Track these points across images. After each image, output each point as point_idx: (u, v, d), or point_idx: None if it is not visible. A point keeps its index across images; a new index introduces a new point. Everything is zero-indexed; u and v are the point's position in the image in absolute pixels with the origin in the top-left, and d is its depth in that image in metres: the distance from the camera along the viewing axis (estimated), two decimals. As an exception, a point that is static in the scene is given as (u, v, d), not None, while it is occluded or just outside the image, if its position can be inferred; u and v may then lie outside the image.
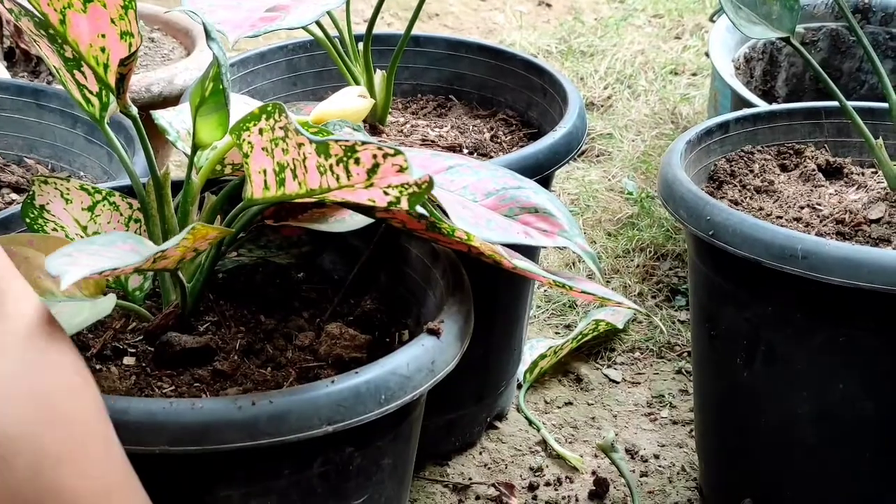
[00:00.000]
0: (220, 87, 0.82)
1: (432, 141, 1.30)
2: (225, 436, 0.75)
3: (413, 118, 1.39)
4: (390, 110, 1.33)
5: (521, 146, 1.32)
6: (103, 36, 0.79)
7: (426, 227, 0.83)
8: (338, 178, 0.71)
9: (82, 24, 0.79)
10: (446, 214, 0.81)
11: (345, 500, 0.86)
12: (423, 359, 0.84)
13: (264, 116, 0.74)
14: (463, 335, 0.89)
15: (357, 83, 1.28)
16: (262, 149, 0.75)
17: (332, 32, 1.30)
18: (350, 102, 0.99)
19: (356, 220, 0.90)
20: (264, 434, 0.76)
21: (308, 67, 1.42)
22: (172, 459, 0.77)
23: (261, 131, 0.74)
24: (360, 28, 1.33)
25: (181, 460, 0.78)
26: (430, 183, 0.68)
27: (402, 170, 0.68)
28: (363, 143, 0.68)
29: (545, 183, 1.23)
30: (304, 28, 1.16)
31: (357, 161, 0.69)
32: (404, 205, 0.70)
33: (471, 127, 1.36)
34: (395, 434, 0.88)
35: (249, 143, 0.76)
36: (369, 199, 0.72)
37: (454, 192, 0.86)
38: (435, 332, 0.86)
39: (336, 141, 0.69)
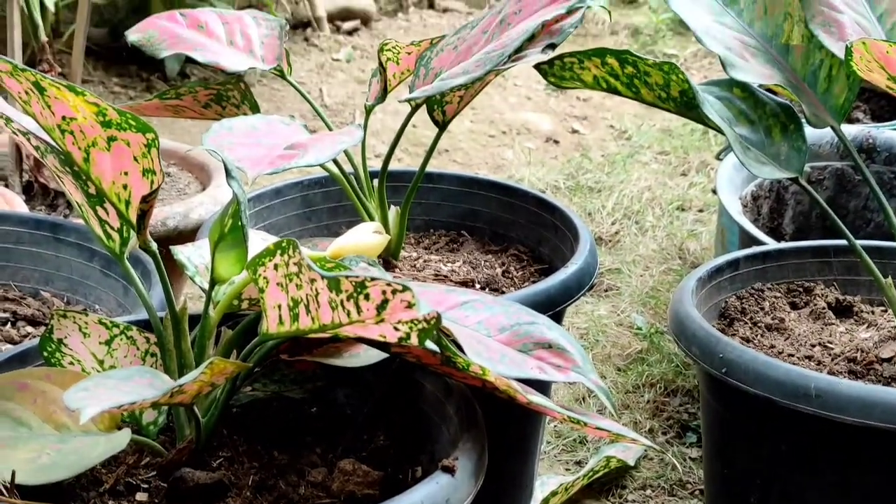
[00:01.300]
0: (239, 223, 0.84)
1: (445, 276, 1.32)
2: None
3: (426, 253, 1.40)
4: (403, 245, 1.35)
5: (533, 281, 1.33)
6: (126, 173, 0.81)
7: (441, 361, 0.84)
8: (349, 314, 0.72)
9: (105, 161, 0.80)
10: (461, 349, 0.81)
11: None
12: (437, 497, 0.83)
13: (279, 252, 0.75)
14: (477, 472, 0.88)
15: (371, 219, 1.30)
16: (277, 284, 0.76)
17: (347, 168, 1.33)
18: (366, 238, 1.00)
19: (371, 355, 0.91)
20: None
21: (323, 203, 1.44)
22: None
23: (276, 266, 0.75)
24: (372, 163, 1.35)
25: None
26: (438, 318, 0.69)
27: (410, 305, 0.69)
28: (373, 279, 0.69)
29: (557, 318, 1.23)
30: (321, 164, 1.18)
31: (367, 297, 0.70)
32: (414, 340, 0.70)
33: (483, 262, 1.37)
34: (409, 573, 0.87)
35: (265, 278, 0.77)
36: (380, 335, 0.73)
37: (469, 327, 0.87)
38: (449, 470, 0.86)
39: (346, 277, 0.70)
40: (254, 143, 1.08)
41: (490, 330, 0.87)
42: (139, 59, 2.96)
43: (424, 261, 1.37)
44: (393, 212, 1.31)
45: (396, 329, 0.71)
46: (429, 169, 1.37)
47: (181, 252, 0.94)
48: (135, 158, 0.80)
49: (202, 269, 0.94)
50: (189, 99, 1.27)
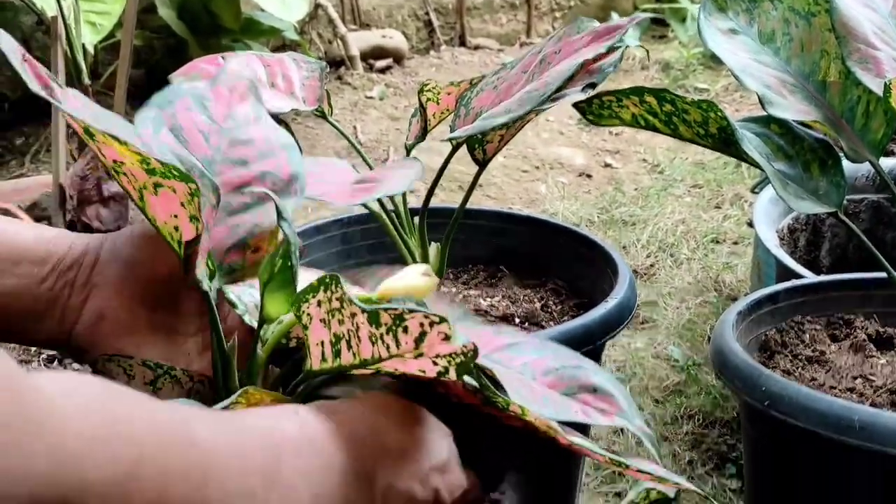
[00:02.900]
0: (289, 264, 0.85)
1: (485, 311, 1.33)
2: None
3: (465, 288, 1.42)
4: (443, 281, 1.36)
5: (572, 315, 1.35)
6: (175, 216, 0.83)
7: (482, 401, 0.84)
8: (388, 348, 0.73)
9: (156, 203, 0.82)
10: (502, 389, 0.82)
11: None
12: (484, 532, 0.84)
13: (322, 288, 0.76)
14: (524, 506, 0.89)
15: (412, 255, 1.31)
16: (321, 320, 0.77)
17: (388, 206, 1.34)
18: (416, 280, 1.00)
19: None
20: None
21: (362, 240, 1.46)
22: None
23: (319, 303, 0.76)
24: (409, 200, 1.37)
25: None
26: (475, 351, 0.70)
27: (447, 337, 0.70)
28: (411, 310, 0.70)
29: (596, 352, 1.25)
30: (365, 205, 1.20)
31: (405, 329, 0.71)
32: (452, 374, 0.71)
33: (521, 296, 1.38)
34: None
35: (308, 314, 0.78)
36: (419, 370, 0.74)
37: (513, 368, 0.87)
38: (497, 502, 0.87)
39: (385, 310, 0.71)
40: (321, 181, 1.10)
41: (535, 372, 0.88)
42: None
43: (464, 296, 1.39)
44: (433, 248, 1.33)
45: (435, 363, 0.72)
46: (467, 205, 1.38)
47: (232, 291, 0.96)
48: (182, 204, 0.82)
49: (251, 308, 0.95)
50: (233, 139, 1.29)
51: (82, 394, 0.52)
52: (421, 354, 0.71)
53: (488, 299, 1.38)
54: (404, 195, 1.34)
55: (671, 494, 1.55)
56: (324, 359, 0.79)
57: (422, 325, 0.70)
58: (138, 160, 0.78)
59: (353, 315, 0.74)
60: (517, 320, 1.31)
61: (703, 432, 1.72)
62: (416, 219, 1.33)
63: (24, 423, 0.46)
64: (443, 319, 0.70)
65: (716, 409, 1.75)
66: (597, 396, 0.87)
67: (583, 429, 1.00)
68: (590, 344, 1.19)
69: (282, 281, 0.87)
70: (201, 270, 0.88)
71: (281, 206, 0.86)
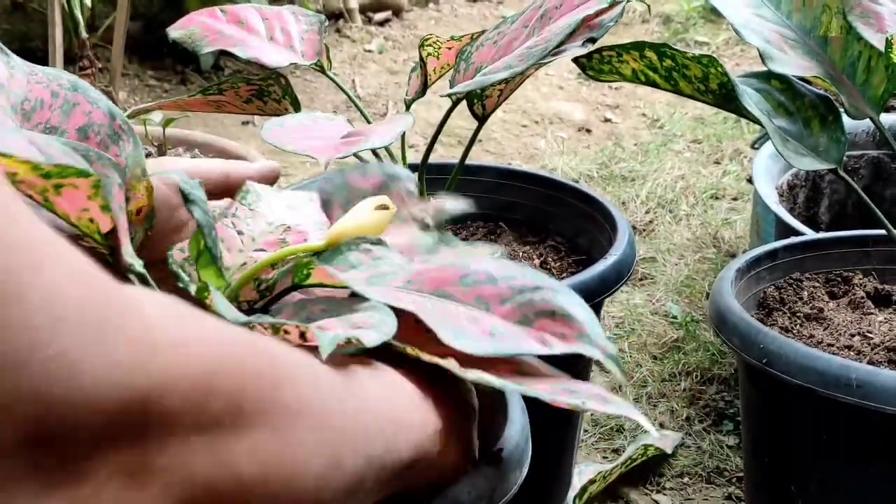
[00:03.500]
0: (206, 246, 0.84)
1: (484, 268, 1.33)
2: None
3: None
4: (442, 237, 1.36)
5: (571, 272, 1.34)
6: (86, 210, 0.80)
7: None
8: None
9: (63, 203, 0.80)
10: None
11: None
12: (482, 488, 0.84)
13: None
14: (521, 463, 0.89)
15: (411, 211, 1.31)
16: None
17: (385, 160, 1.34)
18: (367, 216, 0.95)
19: None
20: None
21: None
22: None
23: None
24: (408, 155, 1.36)
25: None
26: (349, 339, 0.70)
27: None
28: (282, 324, 0.71)
29: (595, 309, 1.24)
30: (357, 156, 1.20)
31: (286, 332, 0.72)
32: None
33: (521, 253, 1.38)
34: (455, 562, 0.88)
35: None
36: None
37: (467, 303, 0.83)
38: (494, 461, 0.87)
39: (259, 324, 0.72)
40: (308, 136, 1.09)
41: (490, 303, 0.82)
42: (174, 53, 2.99)
43: (463, 252, 1.38)
44: (432, 204, 1.33)
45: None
46: (466, 161, 1.38)
47: (175, 261, 0.95)
48: (88, 198, 0.80)
49: (194, 278, 0.94)
50: (231, 94, 1.28)
51: (159, 301, 0.53)
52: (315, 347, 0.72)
53: (487, 255, 1.37)
54: (403, 151, 1.34)
55: (668, 451, 1.56)
56: None
57: (298, 327, 0.71)
58: (30, 168, 0.76)
59: (236, 321, 0.74)
60: (516, 277, 1.31)
61: (701, 389, 1.72)
62: (416, 174, 1.33)
63: (110, 316, 0.47)
64: (307, 328, 0.70)
65: (714, 366, 1.76)
66: (556, 320, 0.80)
67: (577, 374, 0.98)
68: (588, 301, 1.18)
69: (208, 259, 0.87)
70: (129, 252, 0.86)
71: (187, 187, 0.85)
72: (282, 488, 0.53)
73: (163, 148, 1.76)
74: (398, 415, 0.67)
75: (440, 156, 2.55)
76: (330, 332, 0.70)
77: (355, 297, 0.79)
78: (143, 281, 0.87)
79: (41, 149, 0.79)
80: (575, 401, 0.78)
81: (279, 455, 0.53)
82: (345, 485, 0.57)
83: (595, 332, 0.82)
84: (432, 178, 1.42)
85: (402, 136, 1.25)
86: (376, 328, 0.71)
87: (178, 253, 0.97)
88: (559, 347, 0.81)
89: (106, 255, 0.86)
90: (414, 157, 1.37)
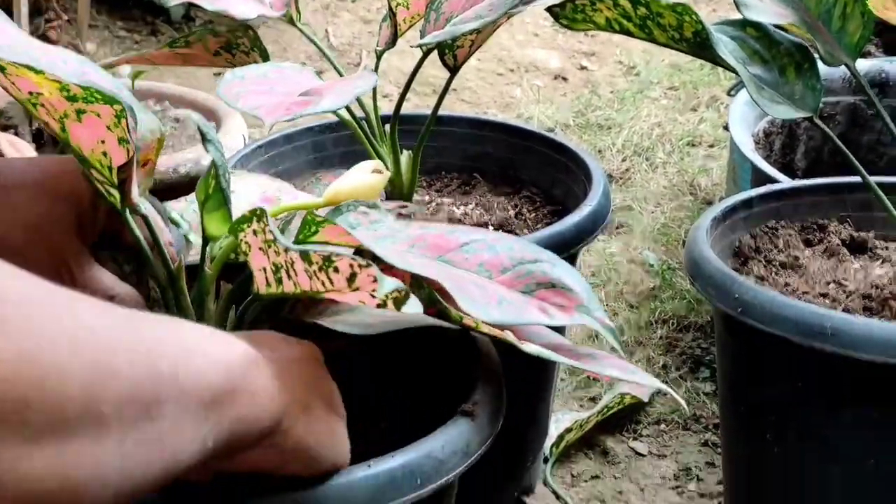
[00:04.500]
0: (220, 186, 0.83)
1: (458, 219, 1.32)
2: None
3: (438, 196, 1.41)
4: (416, 189, 1.35)
5: (546, 223, 1.34)
6: (103, 142, 0.79)
7: (437, 313, 0.83)
8: (323, 283, 0.72)
9: (81, 131, 0.78)
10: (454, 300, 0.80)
11: (381, 582, 0.86)
12: (457, 442, 0.84)
13: (255, 219, 0.75)
14: (496, 416, 0.89)
15: (384, 163, 1.30)
16: (259, 248, 0.76)
17: (359, 113, 1.32)
18: (363, 179, 0.96)
19: (373, 313, 0.89)
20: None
21: (334, 148, 1.44)
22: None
23: (255, 232, 0.75)
24: (381, 104, 1.35)
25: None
26: (408, 293, 0.69)
27: (375, 280, 0.69)
28: (338, 254, 0.70)
29: (571, 260, 1.24)
30: (336, 113, 1.18)
31: (336, 269, 0.71)
32: (391, 307, 0.70)
33: (496, 204, 1.37)
34: (431, 516, 0.88)
35: (247, 242, 0.77)
36: (360, 301, 0.73)
37: (470, 270, 0.85)
38: (469, 414, 0.86)
39: (314, 251, 0.71)
40: (267, 90, 1.07)
41: (492, 272, 0.85)
42: (143, 3, 2.95)
43: (437, 204, 1.37)
44: (405, 156, 1.31)
45: (373, 297, 0.71)
46: (439, 112, 1.36)
47: (174, 210, 0.94)
48: (108, 128, 0.79)
49: (195, 226, 0.93)
50: (199, 47, 1.26)
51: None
52: (357, 289, 0.70)
53: (462, 207, 1.36)
54: (375, 103, 1.32)
55: (645, 398, 1.56)
56: (268, 284, 0.78)
57: (351, 266, 0.70)
58: (57, 88, 0.74)
59: (287, 249, 0.73)
60: (491, 228, 1.30)
61: (678, 336, 1.72)
62: (388, 126, 1.31)
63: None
64: (369, 264, 0.69)
65: (690, 313, 1.76)
66: (555, 291, 0.84)
67: (558, 329, 0.99)
68: (564, 252, 1.18)
69: (216, 201, 0.85)
70: (136, 192, 0.85)
71: (205, 127, 0.84)
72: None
73: (133, 101, 1.73)
74: (198, 345, 0.63)
75: (414, 105, 2.54)
76: (391, 278, 0.69)
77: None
78: (146, 222, 0.86)
79: (71, 69, 0.78)
80: (613, 373, 0.83)
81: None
82: (130, 395, 0.54)
83: (592, 303, 0.84)
84: (405, 129, 1.41)
85: (374, 89, 1.24)
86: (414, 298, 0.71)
87: (175, 203, 0.96)
88: (560, 318, 0.83)
89: (110, 193, 0.84)
90: (388, 106, 1.35)
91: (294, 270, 0.73)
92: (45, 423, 0.49)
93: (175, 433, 0.58)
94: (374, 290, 0.70)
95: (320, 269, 0.71)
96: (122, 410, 0.53)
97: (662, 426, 1.55)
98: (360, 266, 0.69)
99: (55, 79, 0.73)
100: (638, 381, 0.84)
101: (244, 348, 0.67)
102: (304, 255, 0.71)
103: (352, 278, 0.70)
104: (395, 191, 1.31)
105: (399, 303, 0.69)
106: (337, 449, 0.77)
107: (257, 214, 0.74)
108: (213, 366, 0.63)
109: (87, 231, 0.87)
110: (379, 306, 0.71)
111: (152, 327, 0.60)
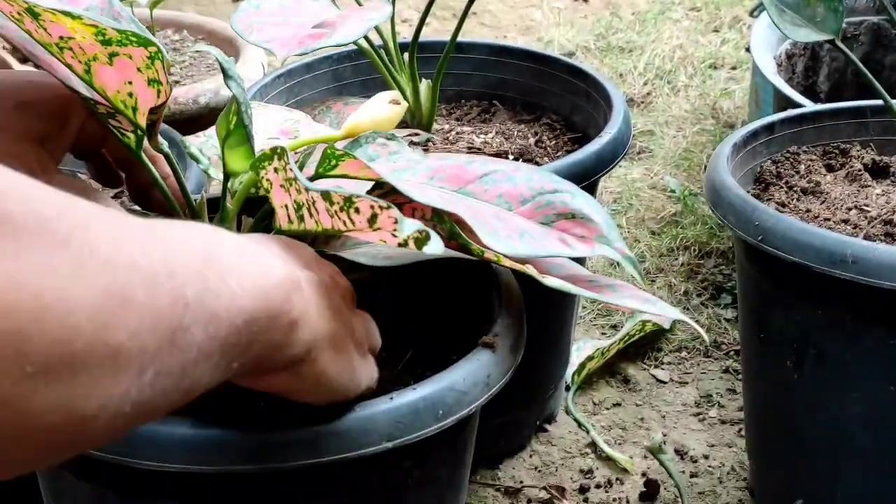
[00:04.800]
0: (242, 123, 0.83)
1: (478, 148, 1.31)
2: (289, 454, 0.77)
3: (458, 125, 1.40)
4: (435, 118, 1.34)
5: (567, 151, 1.33)
6: (130, 83, 0.79)
7: (458, 247, 0.83)
8: (345, 223, 0.72)
9: (108, 74, 0.78)
10: (475, 233, 0.80)
11: (404, 511, 0.88)
12: (478, 373, 0.85)
13: (276, 157, 0.74)
14: (517, 347, 0.90)
15: (403, 92, 1.29)
16: (280, 186, 0.76)
17: (377, 41, 1.31)
18: (381, 110, 0.95)
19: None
20: (327, 452, 0.77)
21: (353, 77, 1.44)
22: (239, 477, 0.79)
23: (275, 170, 0.75)
24: (400, 28, 1.33)
25: (248, 478, 0.80)
26: (428, 235, 0.69)
27: (396, 221, 0.69)
28: (358, 196, 0.69)
29: (591, 188, 1.23)
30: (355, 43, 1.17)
31: (357, 210, 0.71)
32: (412, 246, 0.70)
33: (515, 132, 1.37)
34: (452, 447, 0.89)
35: (268, 179, 0.77)
36: (381, 240, 0.73)
37: (489, 202, 0.85)
38: (490, 346, 0.87)
39: (335, 191, 0.70)
40: (282, 22, 1.07)
41: (511, 203, 0.85)
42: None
43: (457, 133, 1.37)
44: (424, 85, 1.31)
45: (394, 236, 0.71)
46: (459, 38, 1.35)
47: (192, 144, 0.94)
48: (138, 69, 0.79)
49: (215, 161, 0.93)
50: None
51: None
52: (379, 229, 0.70)
53: (482, 136, 1.36)
54: (393, 29, 1.31)
55: (666, 326, 1.57)
56: (290, 221, 0.78)
57: (372, 207, 0.69)
58: (93, 33, 0.74)
59: (307, 189, 0.72)
60: (510, 157, 1.30)
61: (699, 263, 1.72)
62: (406, 54, 1.31)
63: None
64: (390, 206, 0.68)
65: (712, 240, 1.75)
66: (576, 222, 0.84)
67: (578, 260, 0.99)
68: (584, 180, 1.18)
69: (238, 137, 0.85)
70: (159, 134, 0.85)
71: (226, 63, 0.84)
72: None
73: (151, 30, 1.73)
74: (234, 264, 0.59)
75: (434, 30, 2.51)
76: (412, 220, 0.69)
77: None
78: (169, 161, 0.86)
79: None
80: (633, 304, 0.83)
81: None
82: (150, 324, 0.50)
83: (612, 234, 0.84)
84: (424, 56, 1.40)
85: (392, 17, 1.23)
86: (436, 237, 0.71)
87: (193, 139, 0.96)
88: (581, 249, 0.83)
89: (125, 134, 0.84)
90: (408, 31, 1.34)
91: (315, 209, 0.73)
92: (49, 358, 0.45)
93: (201, 361, 0.54)
94: (394, 231, 0.70)
95: (341, 209, 0.71)
96: (142, 340, 0.49)
97: (684, 353, 1.56)
98: (380, 207, 0.69)
99: (92, 23, 0.73)
100: (657, 311, 0.84)
101: (286, 271, 0.64)
102: (325, 195, 0.71)
103: (373, 219, 0.70)
104: (415, 120, 1.30)
105: (420, 243, 0.69)
106: (356, 383, 0.77)
107: (278, 153, 0.74)
108: (249, 289, 0.59)
109: (56, 143, 0.85)
110: (400, 245, 0.71)
111: (179, 241, 0.55)
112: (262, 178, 0.77)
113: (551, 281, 0.82)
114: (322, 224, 0.74)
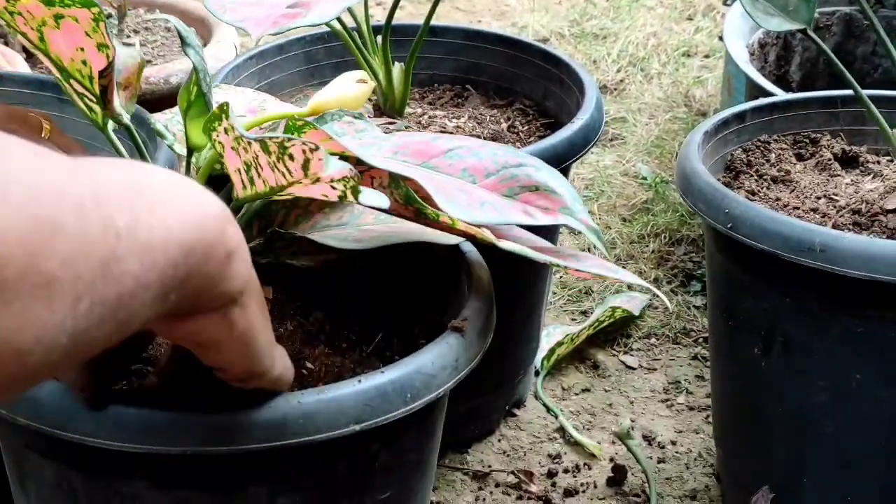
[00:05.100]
0: (202, 91, 0.82)
1: (451, 132, 1.31)
2: (255, 435, 0.77)
3: (431, 109, 1.40)
4: (408, 101, 1.34)
5: (539, 136, 1.33)
6: (82, 49, 0.79)
7: (415, 213, 0.83)
8: (284, 175, 0.71)
9: (59, 39, 0.78)
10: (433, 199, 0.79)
11: (371, 494, 0.88)
12: (447, 357, 0.85)
13: (223, 115, 0.74)
14: (486, 331, 0.90)
15: (375, 75, 1.29)
16: (231, 148, 0.75)
17: (350, 23, 1.31)
18: (348, 88, 0.95)
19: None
20: (293, 434, 0.77)
21: (326, 59, 1.43)
22: (205, 458, 0.79)
23: (225, 130, 0.74)
24: (374, 11, 1.33)
25: (213, 459, 0.79)
26: (359, 178, 0.68)
27: (323, 160, 0.68)
28: (289, 138, 0.69)
29: (563, 174, 1.23)
30: (329, 26, 1.17)
31: (291, 157, 0.69)
32: (350, 197, 0.70)
33: (488, 117, 1.37)
34: (420, 430, 0.89)
35: (220, 143, 0.75)
36: (323, 195, 0.72)
37: (453, 175, 0.85)
38: (459, 330, 0.87)
39: (270, 138, 0.70)
40: (256, 2, 1.06)
41: (476, 177, 0.84)
42: None
43: (430, 117, 1.37)
44: (397, 68, 1.30)
45: (334, 188, 0.70)
46: (432, 22, 1.35)
47: (158, 120, 0.93)
48: (87, 34, 0.78)
49: (180, 137, 0.92)
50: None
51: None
52: (318, 180, 0.70)
53: (454, 120, 1.36)
54: (366, 12, 1.31)
55: (636, 312, 1.57)
56: (244, 186, 0.77)
57: (304, 151, 0.69)
58: None
59: (250, 144, 0.72)
60: (483, 141, 1.29)
61: (670, 250, 1.73)
62: (380, 37, 1.30)
63: None
64: (317, 147, 0.68)
65: (682, 227, 1.76)
66: (539, 194, 0.84)
67: (549, 237, 0.99)
68: (556, 165, 1.18)
69: (199, 108, 0.84)
70: (117, 102, 0.84)
71: (184, 31, 0.83)
72: None
73: (122, 9, 1.71)
74: (166, 196, 0.58)
75: (409, 14, 2.51)
76: (337, 160, 0.68)
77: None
78: (129, 132, 0.85)
79: None
80: (595, 270, 0.83)
81: None
82: (82, 252, 0.50)
83: (576, 206, 0.84)
84: (397, 40, 1.39)
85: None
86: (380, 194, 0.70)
87: (160, 115, 0.96)
88: (543, 219, 0.83)
89: (93, 102, 0.83)
90: (382, 14, 1.33)
91: (259, 165, 0.72)
92: None
93: (139, 292, 0.54)
94: (334, 178, 0.69)
95: (278, 158, 0.70)
96: (76, 268, 0.49)
97: (653, 340, 1.56)
98: (311, 150, 0.68)
99: None
100: (620, 278, 0.84)
101: (219, 204, 0.63)
102: (263, 145, 0.70)
103: (306, 164, 0.69)
104: (388, 104, 1.30)
105: (355, 192, 0.69)
106: (271, 357, 0.74)
107: (224, 110, 0.73)
108: (183, 220, 0.58)
109: None
110: (341, 197, 0.70)
111: (106, 174, 0.55)
112: (215, 140, 0.76)
113: (507, 244, 0.81)
114: (268, 182, 0.73)
